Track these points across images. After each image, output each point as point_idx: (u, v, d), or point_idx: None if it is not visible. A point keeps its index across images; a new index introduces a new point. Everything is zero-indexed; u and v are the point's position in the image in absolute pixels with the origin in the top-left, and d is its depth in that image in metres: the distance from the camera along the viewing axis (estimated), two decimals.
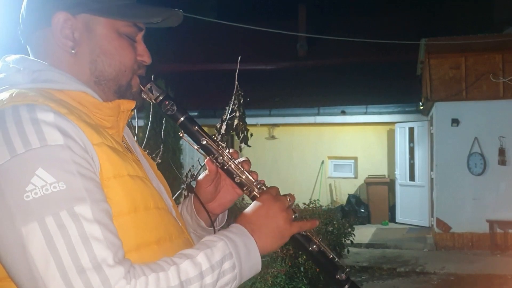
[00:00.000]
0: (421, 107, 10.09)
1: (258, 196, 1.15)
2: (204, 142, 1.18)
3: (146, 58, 1.14)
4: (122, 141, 1.12)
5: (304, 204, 7.07)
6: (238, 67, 3.61)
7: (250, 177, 1.18)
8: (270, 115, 11.63)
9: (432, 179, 9.62)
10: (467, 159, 8.67)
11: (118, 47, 1.08)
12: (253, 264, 1.03)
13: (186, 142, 1.22)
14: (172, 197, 1.27)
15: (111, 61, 1.07)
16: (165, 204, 1.10)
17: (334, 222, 6.85)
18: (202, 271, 0.94)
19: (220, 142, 1.19)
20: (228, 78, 4.00)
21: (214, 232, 1.26)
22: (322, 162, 12.14)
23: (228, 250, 0.99)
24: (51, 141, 0.87)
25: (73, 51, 1.05)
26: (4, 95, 0.96)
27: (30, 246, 0.81)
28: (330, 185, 12.19)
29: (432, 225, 9.39)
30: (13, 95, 0.95)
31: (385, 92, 11.09)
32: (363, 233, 9.47)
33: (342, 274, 1.13)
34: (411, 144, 10.82)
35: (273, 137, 12.20)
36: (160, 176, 1.23)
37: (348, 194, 11.54)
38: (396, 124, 11.07)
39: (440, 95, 8.80)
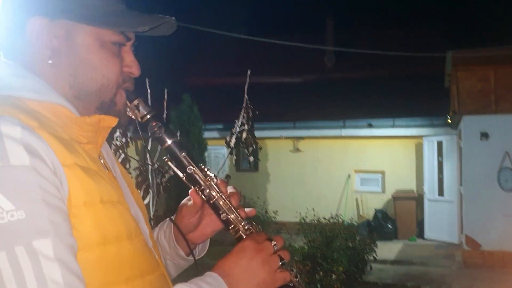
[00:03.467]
0: (450, 121, 9.84)
1: (243, 238, 1.05)
2: (191, 171, 1.07)
3: (135, 70, 1.03)
4: (99, 157, 1.01)
5: (325, 218, 6.96)
6: (247, 80, 3.62)
7: (238, 215, 1.08)
8: (294, 128, 11.58)
9: (461, 194, 9.35)
10: (497, 174, 8.39)
11: (101, 58, 0.96)
12: None
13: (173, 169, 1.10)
14: None
15: (93, 74, 0.95)
16: (141, 233, 0.99)
17: (357, 238, 6.72)
18: None
19: (208, 172, 1.09)
20: (254, 91, 4.02)
21: (196, 263, 1.19)
22: (349, 176, 11.97)
23: None
24: (14, 161, 0.75)
25: (50, 61, 0.93)
26: None
27: None
28: (356, 199, 11.99)
29: (461, 242, 9.09)
30: None
31: (413, 105, 10.89)
32: (389, 249, 9.25)
33: None
34: (440, 159, 10.55)
35: (297, 150, 12.12)
36: (137, 197, 1.12)
37: (375, 209, 11.32)
38: (424, 138, 10.83)
39: (468, 108, 8.57)
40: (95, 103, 0.98)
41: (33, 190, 0.75)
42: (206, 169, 1.09)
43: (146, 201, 3.35)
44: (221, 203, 1.08)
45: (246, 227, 1.07)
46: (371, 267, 6.88)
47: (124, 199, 0.98)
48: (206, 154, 10.69)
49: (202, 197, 1.08)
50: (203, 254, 1.27)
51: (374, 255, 6.85)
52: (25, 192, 0.74)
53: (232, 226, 1.07)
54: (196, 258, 1.21)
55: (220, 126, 11.56)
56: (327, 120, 11.44)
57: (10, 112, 0.81)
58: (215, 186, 1.08)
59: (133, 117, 1.06)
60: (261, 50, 13.95)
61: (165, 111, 3.86)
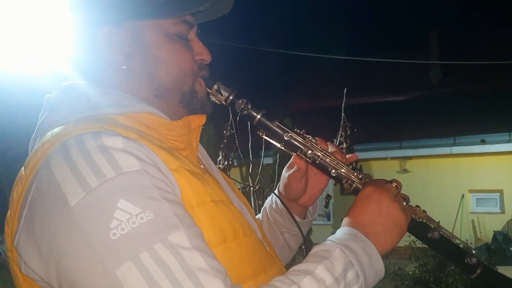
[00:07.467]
0: None
1: (360, 189, 1.03)
2: (288, 138, 1.05)
3: (205, 56, 1.02)
4: (199, 162, 1.03)
5: None
6: (344, 99, 3.59)
7: (348, 168, 1.07)
8: (400, 147, 11.16)
9: None
10: None
11: (171, 50, 0.96)
12: (377, 271, 0.91)
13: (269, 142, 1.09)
14: None
15: (168, 68, 0.95)
16: (252, 228, 0.98)
17: None
18: (327, 286, 0.81)
19: (305, 134, 1.07)
20: (356, 111, 3.99)
21: (310, 223, 1.25)
22: (462, 196, 11.23)
23: (347, 259, 0.86)
24: (126, 168, 0.76)
25: (124, 67, 0.94)
26: (63, 127, 0.85)
27: None
28: (472, 221, 11.18)
29: None
30: (74, 125, 0.85)
31: None
32: None
33: (472, 258, 1.01)
34: None
35: (405, 171, 11.64)
36: (240, 195, 1.12)
37: (494, 231, 10.47)
38: None
39: None
40: (177, 96, 0.98)
41: (150, 190, 0.76)
42: (302, 132, 1.08)
43: None
44: (327, 160, 1.06)
45: (360, 177, 1.06)
46: None
47: (229, 198, 0.98)
48: None
49: (307, 160, 1.07)
50: (316, 213, 1.28)
51: None
52: (145, 193, 0.75)
53: (345, 179, 1.06)
54: (312, 219, 1.24)
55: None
56: (435, 138, 10.90)
57: (107, 127, 0.83)
58: (316, 146, 1.07)
59: (217, 101, 1.05)
60: (361, 70, 13.79)
61: None
